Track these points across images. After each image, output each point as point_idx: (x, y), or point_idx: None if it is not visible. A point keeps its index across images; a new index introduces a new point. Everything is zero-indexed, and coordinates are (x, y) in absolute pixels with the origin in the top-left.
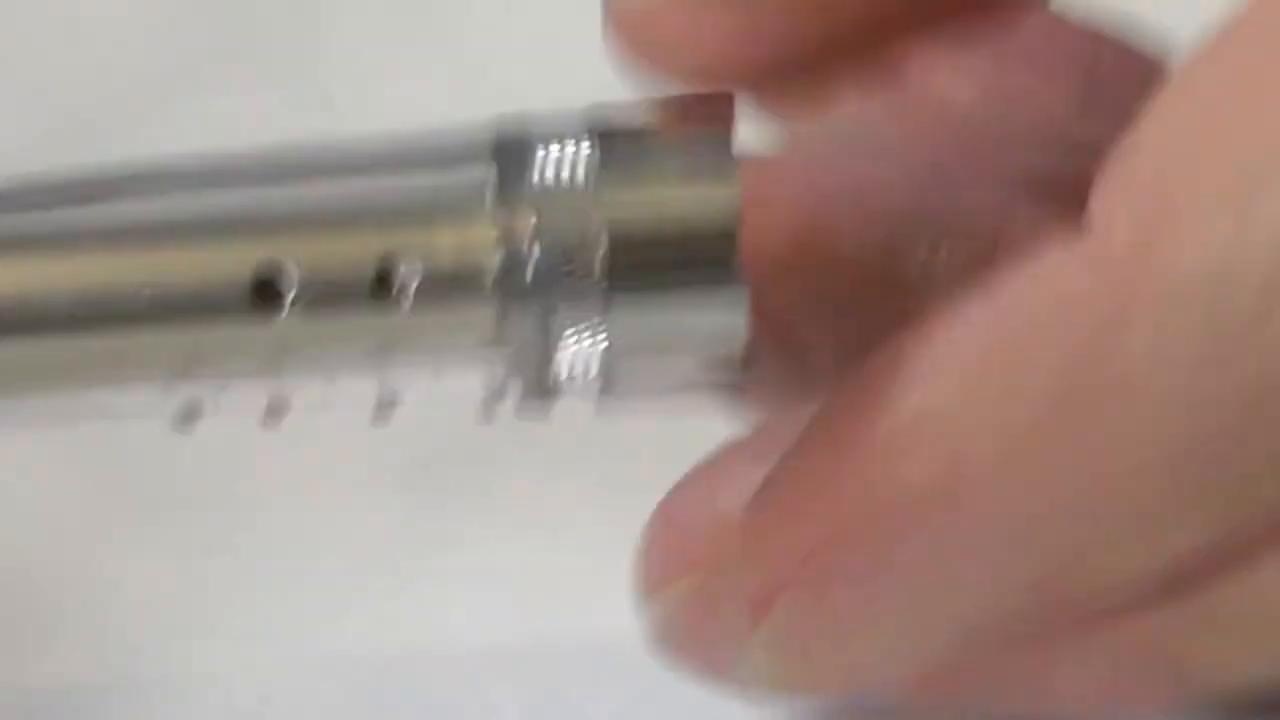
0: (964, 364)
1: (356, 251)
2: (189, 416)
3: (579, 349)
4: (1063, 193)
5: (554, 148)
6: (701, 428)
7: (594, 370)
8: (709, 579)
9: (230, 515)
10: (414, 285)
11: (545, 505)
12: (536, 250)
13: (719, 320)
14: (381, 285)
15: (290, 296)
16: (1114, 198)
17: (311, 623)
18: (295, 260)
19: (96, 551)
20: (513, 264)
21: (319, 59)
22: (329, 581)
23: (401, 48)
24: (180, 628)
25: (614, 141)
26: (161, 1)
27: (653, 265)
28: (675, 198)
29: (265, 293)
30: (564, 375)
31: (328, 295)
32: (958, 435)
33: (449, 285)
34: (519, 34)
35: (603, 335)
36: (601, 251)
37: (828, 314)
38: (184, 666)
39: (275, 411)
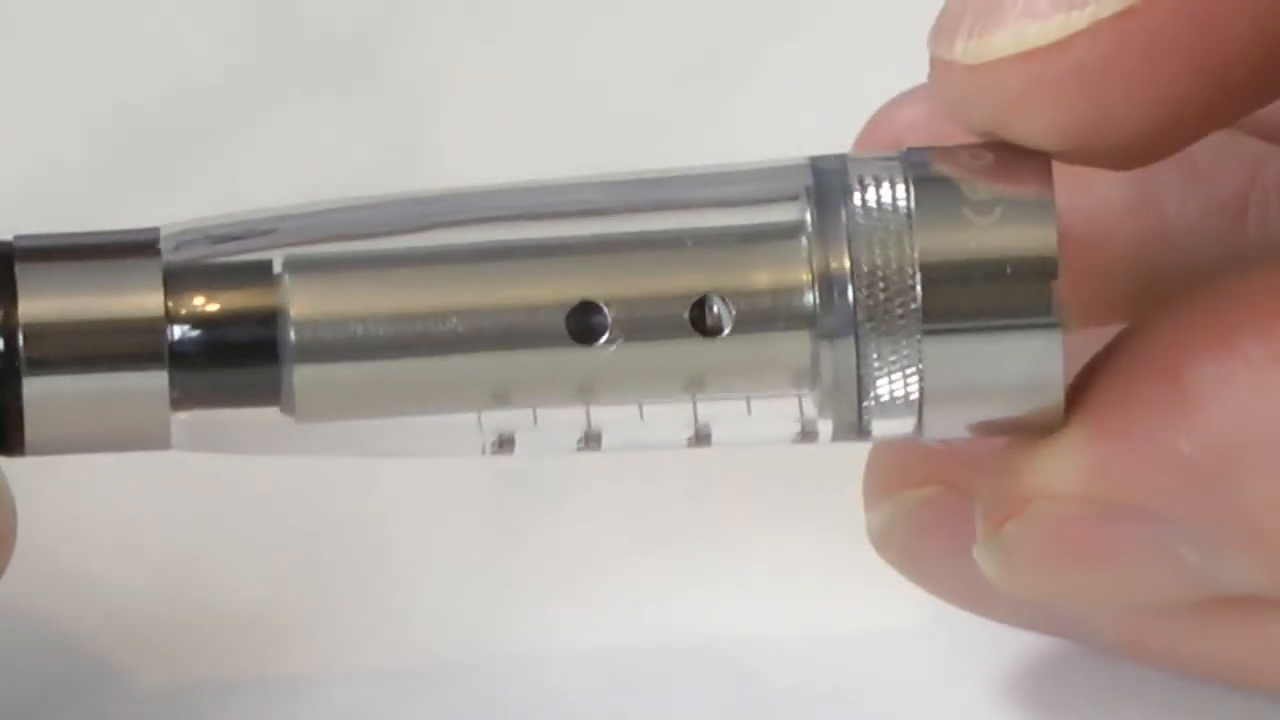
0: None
1: (672, 290)
2: (504, 444)
3: (892, 389)
4: None
5: (870, 189)
6: None
7: (906, 407)
8: (946, 493)
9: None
10: (728, 323)
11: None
12: (851, 291)
13: (1033, 364)
14: (696, 322)
15: (606, 334)
16: None
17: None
18: (611, 298)
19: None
20: (827, 303)
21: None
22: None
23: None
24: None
25: (930, 184)
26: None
27: (967, 308)
28: (991, 241)
29: (581, 327)
30: (876, 410)
31: (643, 331)
32: (1248, 407)
33: (763, 323)
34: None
35: (915, 376)
36: (916, 293)
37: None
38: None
39: (590, 440)
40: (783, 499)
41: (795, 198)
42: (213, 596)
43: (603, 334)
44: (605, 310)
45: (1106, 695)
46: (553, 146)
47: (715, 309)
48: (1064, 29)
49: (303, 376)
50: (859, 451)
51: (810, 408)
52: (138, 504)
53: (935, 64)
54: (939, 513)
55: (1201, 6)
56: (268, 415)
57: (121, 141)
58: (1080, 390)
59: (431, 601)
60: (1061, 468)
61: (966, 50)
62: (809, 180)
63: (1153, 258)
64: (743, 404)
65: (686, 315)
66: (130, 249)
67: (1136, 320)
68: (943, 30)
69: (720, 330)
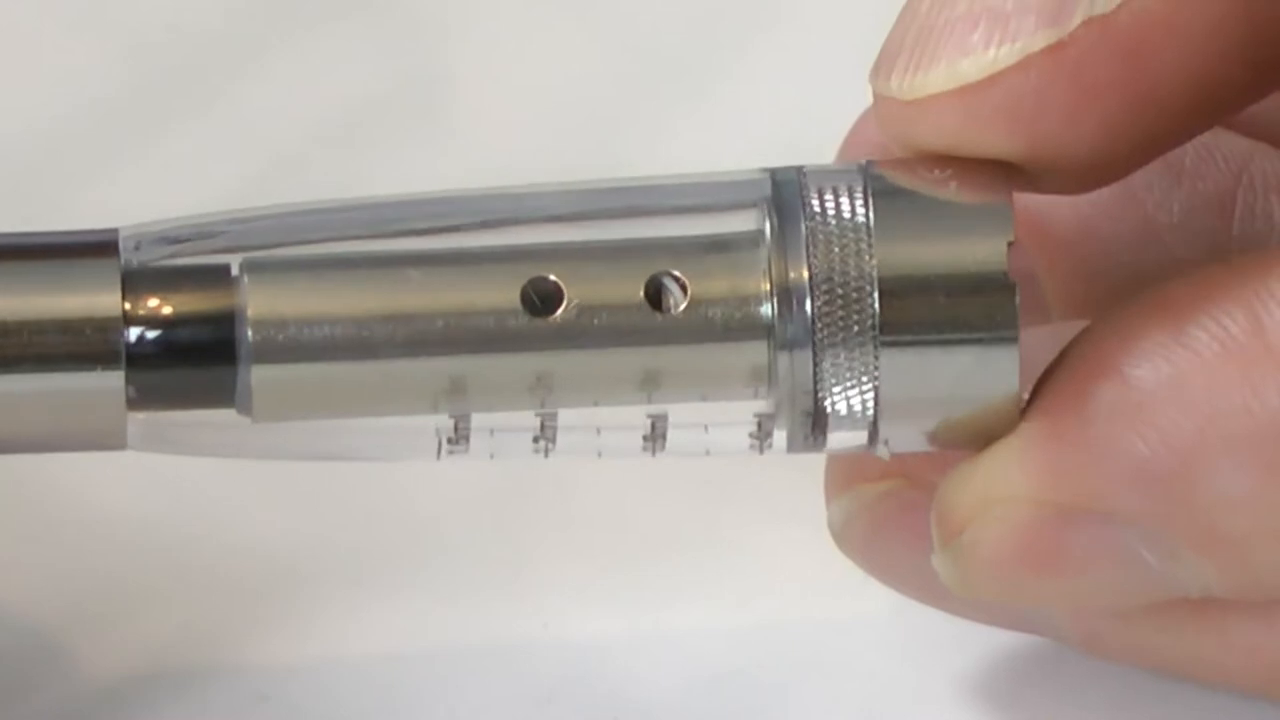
0: (1218, 342)
1: (628, 270)
2: (459, 440)
3: (847, 397)
4: None
5: (829, 199)
6: None
7: (861, 418)
8: (906, 488)
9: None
10: (682, 302)
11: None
12: (809, 302)
13: (990, 377)
14: (651, 301)
15: (561, 307)
16: None
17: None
18: (567, 276)
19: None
20: (785, 314)
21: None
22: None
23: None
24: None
25: (889, 196)
26: None
27: (924, 320)
28: (950, 254)
29: (537, 300)
30: (831, 421)
31: (598, 305)
32: (1203, 405)
33: (720, 326)
34: None
35: (871, 385)
36: (874, 305)
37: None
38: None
39: (546, 439)
40: (781, 501)
41: (754, 206)
42: (201, 590)
43: (559, 308)
44: (561, 288)
45: (1068, 687)
46: (562, 74)
47: (670, 289)
48: (995, 64)
49: (259, 377)
50: None
51: (766, 417)
52: (140, 482)
53: (876, 97)
54: (899, 507)
55: (1128, 39)
56: (224, 416)
57: (131, 86)
58: (1036, 394)
59: (428, 601)
60: (1017, 471)
61: (902, 86)
62: (768, 192)
63: (1136, 254)
64: (699, 411)
65: (640, 295)
66: (89, 249)
67: (1090, 324)
68: (881, 64)
69: (674, 308)
